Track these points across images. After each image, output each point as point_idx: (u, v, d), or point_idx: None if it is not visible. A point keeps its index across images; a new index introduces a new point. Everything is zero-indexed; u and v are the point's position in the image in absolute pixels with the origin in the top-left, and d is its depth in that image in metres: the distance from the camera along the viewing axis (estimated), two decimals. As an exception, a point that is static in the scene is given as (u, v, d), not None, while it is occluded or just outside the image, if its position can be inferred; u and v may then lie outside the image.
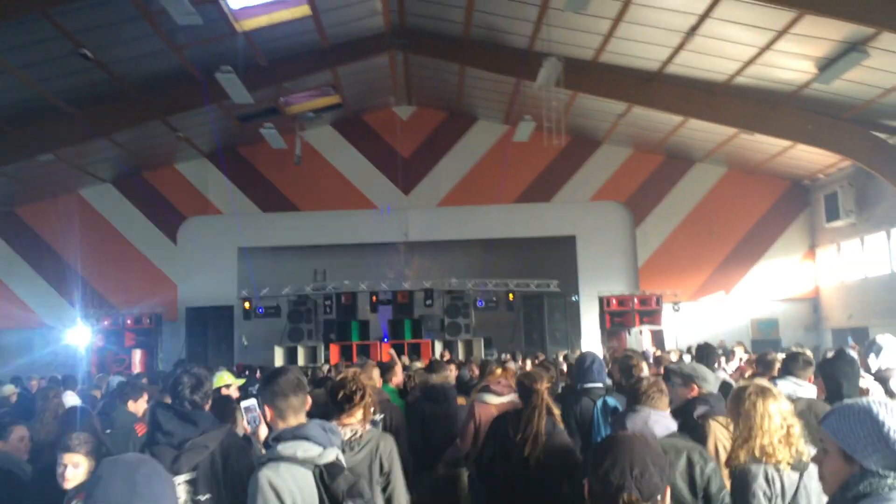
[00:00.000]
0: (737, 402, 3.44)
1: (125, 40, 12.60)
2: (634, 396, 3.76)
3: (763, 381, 3.60)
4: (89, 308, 18.16)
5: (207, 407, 3.75)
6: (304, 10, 13.46)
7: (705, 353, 6.68)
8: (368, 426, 3.62)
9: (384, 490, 3.50)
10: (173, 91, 14.78)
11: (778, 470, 3.24)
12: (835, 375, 4.41)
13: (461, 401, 5.76)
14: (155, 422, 3.58)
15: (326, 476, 2.76)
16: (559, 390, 6.34)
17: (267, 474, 2.73)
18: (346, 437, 3.46)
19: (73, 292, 18.74)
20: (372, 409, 3.74)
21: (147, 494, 2.01)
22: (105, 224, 19.19)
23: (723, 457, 3.64)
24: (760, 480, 3.22)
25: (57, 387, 7.18)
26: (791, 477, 3.23)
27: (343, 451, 3.27)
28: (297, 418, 2.99)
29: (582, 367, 5.30)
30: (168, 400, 4.03)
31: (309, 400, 3.11)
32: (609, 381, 5.63)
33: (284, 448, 2.77)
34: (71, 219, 19.05)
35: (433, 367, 6.39)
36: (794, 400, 3.91)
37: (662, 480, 2.03)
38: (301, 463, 2.75)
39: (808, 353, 5.17)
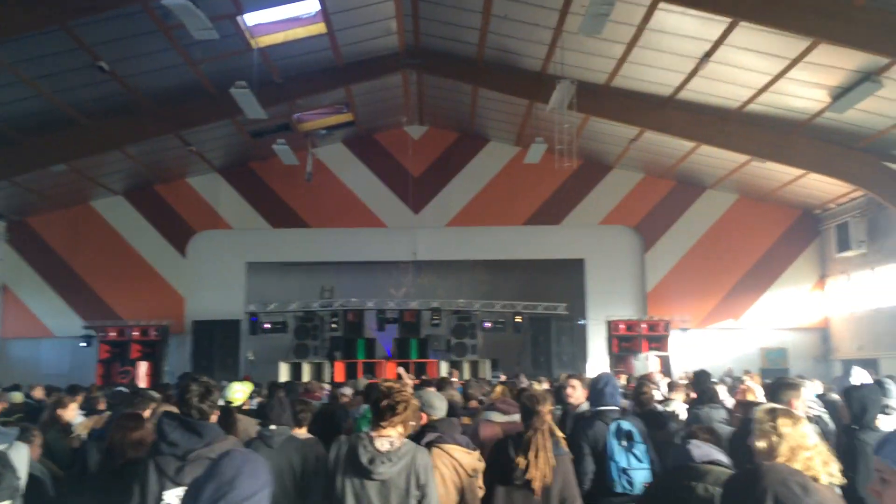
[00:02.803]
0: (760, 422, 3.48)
1: (142, 54, 12.72)
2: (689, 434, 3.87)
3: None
4: (97, 319, 18.19)
5: (215, 418, 3.73)
6: (319, 28, 13.59)
7: (701, 380, 6.64)
8: (406, 440, 3.61)
9: (419, 503, 3.50)
10: (187, 105, 14.89)
11: None
12: (862, 401, 4.56)
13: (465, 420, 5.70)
14: (160, 431, 3.55)
15: None
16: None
17: None
18: (384, 449, 3.46)
19: (80, 303, 18.80)
20: (412, 424, 3.73)
21: (248, 472, 2.28)
22: (115, 236, 19.25)
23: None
24: None
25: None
26: None
27: (382, 463, 3.37)
28: None
29: (595, 388, 5.22)
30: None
31: None
32: (623, 404, 5.56)
33: None
34: (82, 230, 19.15)
35: (440, 384, 6.34)
36: None
37: None
38: None
39: (797, 379, 5.22)
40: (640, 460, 4.77)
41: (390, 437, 3.52)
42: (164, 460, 3.39)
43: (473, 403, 6.55)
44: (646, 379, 6.52)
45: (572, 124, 14.69)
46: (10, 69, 11.99)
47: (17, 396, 10.09)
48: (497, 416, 5.32)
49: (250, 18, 12.62)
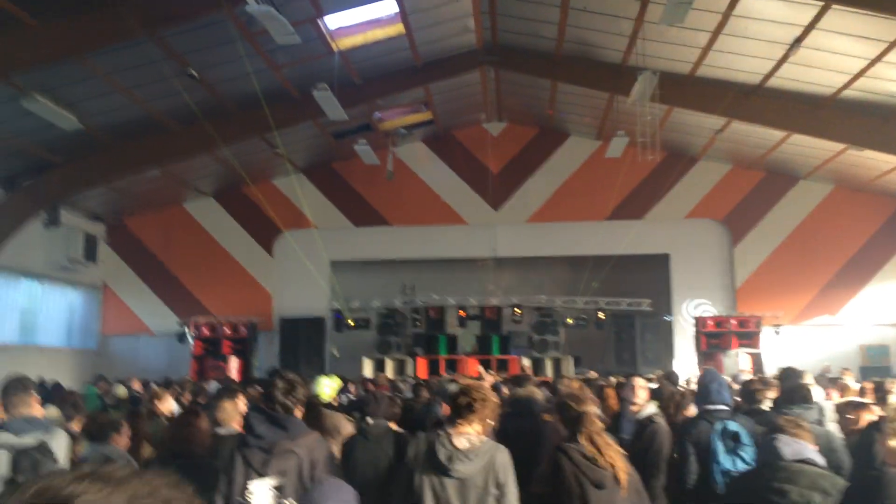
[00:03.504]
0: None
1: (227, 60, 13.12)
2: (772, 428, 3.65)
3: None
4: (190, 316, 18.95)
5: (300, 413, 3.83)
6: (398, 28, 13.72)
7: (787, 377, 6.35)
8: (485, 438, 3.61)
9: (498, 502, 3.49)
10: (272, 109, 15.26)
11: None
12: None
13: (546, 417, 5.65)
14: (247, 424, 3.69)
15: (18, 455, 3.61)
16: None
17: None
18: (462, 447, 3.47)
19: (175, 301, 19.62)
20: (491, 422, 3.73)
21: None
22: (206, 236, 20.00)
23: None
24: None
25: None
26: None
27: (460, 461, 3.36)
28: (17, 411, 3.89)
29: (702, 386, 5.05)
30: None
31: (34, 399, 4.05)
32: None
33: None
34: (175, 231, 19.99)
35: (519, 381, 6.33)
36: None
37: None
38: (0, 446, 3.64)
39: None
40: (747, 463, 4.52)
41: (468, 435, 3.52)
42: (250, 452, 3.52)
43: None
44: (757, 379, 6.28)
45: (655, 116, 14.34)
46: (106, 79, 12.60)
47: (122, 390, 10.78)
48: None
49: (331, 22, 12.85)
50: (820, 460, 3.34)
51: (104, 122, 14.30)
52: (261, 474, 3.45)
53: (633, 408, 5.43)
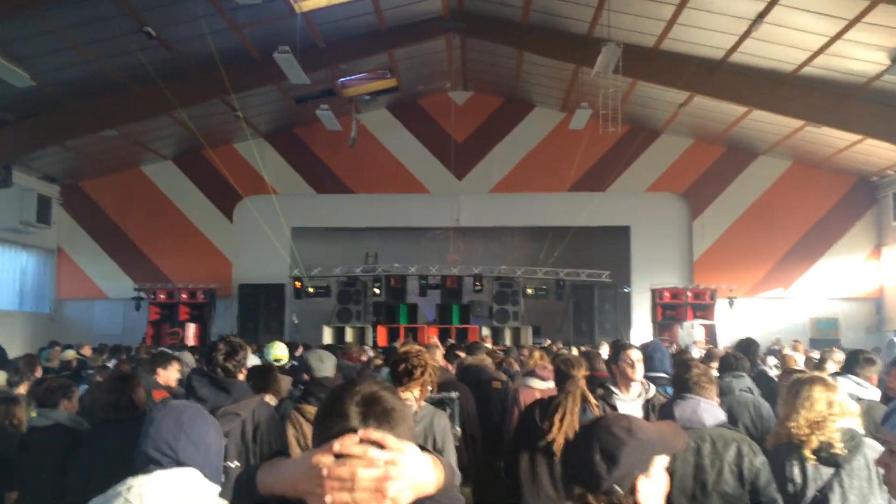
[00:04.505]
0: (790, 388, 3.43)
1: (187, 19, 12.78)
2: (684, 385, 3.70)
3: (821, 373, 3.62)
4: (147, 281, 18.65)
5: (242, 376, 3.80)
6: (362, -9, 13.48)
7: (746, 347, 6.50)
8: (424, 403, 3.62)
9: None
10: (232, 70, 14.92)
11: (801, 460, 3.14)
12: None
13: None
14: (190, 387, 3.64)
15: None
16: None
17: None
18: None
19: (132, 265, 19.28)
20: (430, 388, 3.73)
21: (192, 432, 2.30)
22: (164, 200, 19.62)
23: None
24: (777, 467, 3.23)
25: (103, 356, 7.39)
26: (820, 471, 3.14)
27: None
28: None
29: (644, 355, 5.12)
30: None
31: None
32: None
33: None
34: (132, 194, 19.57)
35: (470, 349, 6.35)
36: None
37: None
38: None
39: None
40: None
41: (407, 400, 3.52)
42: (192, 416, 3.47)
43: None
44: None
45: (619, 89, 14.37)
46: (61, 34, 12.19)
47: (70, 354, 10.56)
48: (537, 383, 5.31)
49: (293, -18, 12.56)
50: (724, 416, 3.55)
51: (58, 79, 13.87)
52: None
53: (634, 387, 4.44)
